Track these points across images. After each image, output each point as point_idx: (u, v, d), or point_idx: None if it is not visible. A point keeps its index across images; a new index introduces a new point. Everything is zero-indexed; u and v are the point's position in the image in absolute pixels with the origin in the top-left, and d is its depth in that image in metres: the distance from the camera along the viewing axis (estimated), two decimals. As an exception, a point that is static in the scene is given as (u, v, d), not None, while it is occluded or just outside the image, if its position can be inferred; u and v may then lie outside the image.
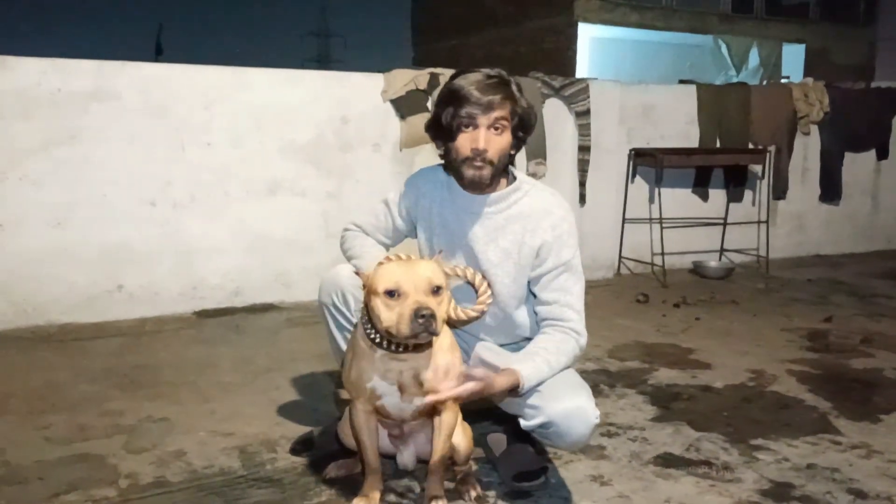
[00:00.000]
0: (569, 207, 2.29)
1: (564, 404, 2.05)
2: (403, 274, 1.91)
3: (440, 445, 2.14)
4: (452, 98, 2.15)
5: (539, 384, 2.09)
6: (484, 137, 2.12)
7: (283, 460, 2.48)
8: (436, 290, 1.92)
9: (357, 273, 2.11)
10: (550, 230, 2.20)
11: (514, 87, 2.18)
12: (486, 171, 2.16)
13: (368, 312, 1.99)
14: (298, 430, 2.68)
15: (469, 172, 2.17)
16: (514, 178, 2.28)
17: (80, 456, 2.50)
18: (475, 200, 2.25)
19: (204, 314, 4.34)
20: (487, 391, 2.00)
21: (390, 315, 1.89)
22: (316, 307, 2.46)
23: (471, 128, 2.13)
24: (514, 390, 2.05)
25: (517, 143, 2.22)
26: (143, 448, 2.56)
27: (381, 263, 1.99)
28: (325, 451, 2.45)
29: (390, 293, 1.89)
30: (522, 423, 2.12)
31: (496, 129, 2.13)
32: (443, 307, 1.94)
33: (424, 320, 1.84)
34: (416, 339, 1.90)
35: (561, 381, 2.11)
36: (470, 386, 1.96)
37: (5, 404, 2.96)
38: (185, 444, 2.60)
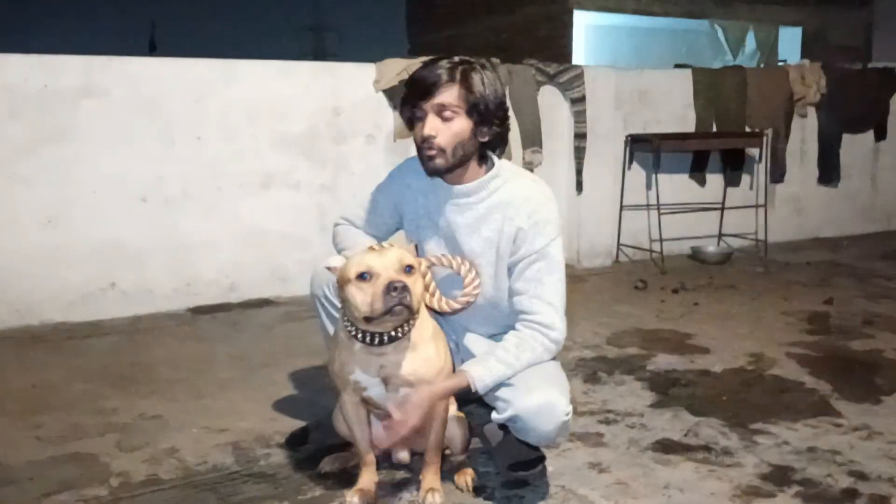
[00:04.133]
0: (550, 195, 2.22)
1: (533, 399, 2.02)
2: (374, 258, 1.93)
3: (433, 437, 2.12)
4: (407, 89, 2.14)
5: (499, 383, 2.07)
6: (430, 125, 2.08)
7: (277, 455, 2.46)
8: (408, 269, 1.93)
9: (329, 269, 2.08)
10: (527, 217, 2.14)
11: (471, 73, 2.09)
12: (439, 160, 2.11)
13: (344, 305, 1.99)
14: (293, 424, 2.65)
15: (424, 163, 2.15)
16: (493, 166, 2.22)
17: (72, 455, 2.47)
18: (453, 191, 2.21)
19: (199, 311, 4.30)
20: (432, 399, 2.03)
21: (364, 297, 1.89)
22: (310, 300, 2.44)
23: (422, 116, 2.10)
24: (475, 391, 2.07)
25: (487, 130, 2.14)
26: (135, 446, 2.54)
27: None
28: (319, 445, 2.42)
29: (362, 276, 1.90)
30: (493, 416, 2.12)
31: (445, 115, 2.08)
32: (417, 285, 1.95)
33: (398, 292, 1.85)
34: (393, 315, 1.89)
35: (534, 374, 2.08)
36: (409, 410, 2.00)
37: (-2, 405, 2.94)
38: (179, 442, 2.57)
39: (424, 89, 2.07)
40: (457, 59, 2.14)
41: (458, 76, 2.08)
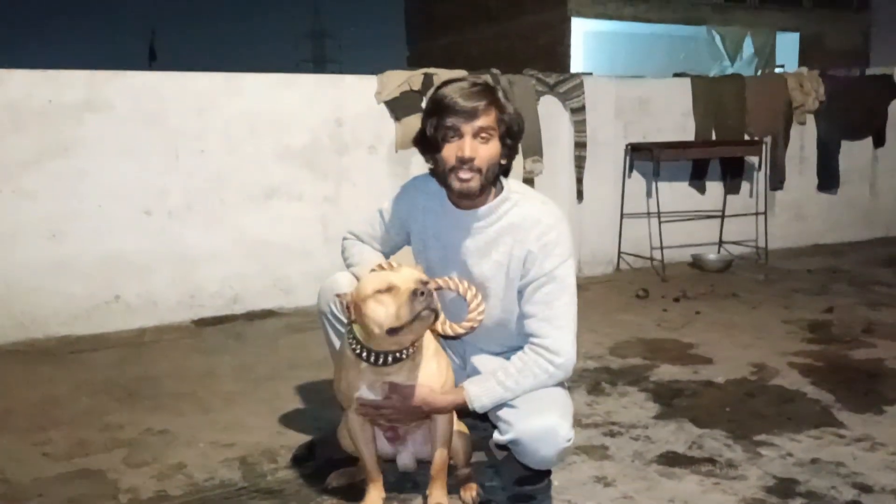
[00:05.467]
0: (560, 216, 2.22)
1: (533, 424, 2.03)
2: (390, 273, 1.95)
3: (438, 452, 2.14)
4: (436, 108, 2.11)
5: (497, 404, 2.09)
6: (469, 146, 2.07)
7: (284, 470, 2.47)
8: (423, 283, 1.94)
9: (339, 296, 2.08)
10: (536, 240, 2.14)
11: (499, 94, 2.14)
12: (475, 182, 2.10)
13: (359, 324, 1.99)
14: (300, 438, 2.66)
15: (456, 184, 2.12)
16: (503, 188, 2.23)
17: (80, 471, 2.48)
18: (464, 216, 2.21)
19: (203, 322, 4.32)
20: (428, 407, 2.06)
21: (387, 311, 1.90)
22: (316, 313, 2.45)
23: (456, 138, 2.09)
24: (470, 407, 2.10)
25: (508, 152, 2.17)
26: (143, 462, 2.55)
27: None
28: (326, 459, 2.44)
29: (381, 290, 1.91)
30: (495, 436, 2.13)
31: (482, 137, 2.09)
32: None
33: (425, 297, 1.86)
34: (420, 320, 1.89)
35: (539, 398, 2.09)
36: (393, 399, 2.03)
37: (4, 420, 2.95)
38: (186, 457, 2.58)
39: (469, 111, 2.06)
40: (479, 79, 2.17)
41: (492, 98, 2.09)
